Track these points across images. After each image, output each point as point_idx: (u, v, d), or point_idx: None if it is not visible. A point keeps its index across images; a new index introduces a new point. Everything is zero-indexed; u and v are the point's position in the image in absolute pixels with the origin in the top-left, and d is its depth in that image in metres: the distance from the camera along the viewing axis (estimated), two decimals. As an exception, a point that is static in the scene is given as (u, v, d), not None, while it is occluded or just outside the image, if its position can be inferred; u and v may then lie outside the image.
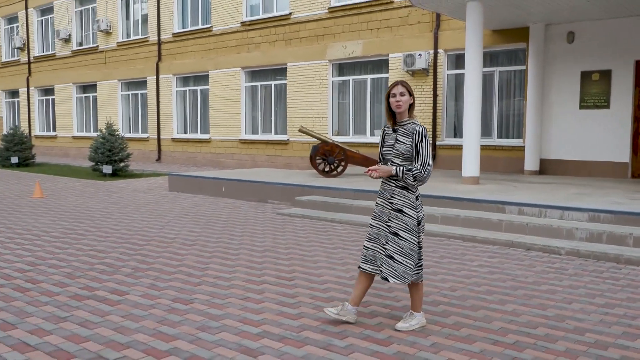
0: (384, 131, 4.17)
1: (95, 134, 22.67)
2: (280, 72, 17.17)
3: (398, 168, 3.94)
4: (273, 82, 17.40)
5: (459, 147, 13.19)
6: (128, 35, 21.87)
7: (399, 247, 3.99)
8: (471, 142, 10.15)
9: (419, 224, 4.03)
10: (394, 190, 4.02)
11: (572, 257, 6.34)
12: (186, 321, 4.18)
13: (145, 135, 21.35)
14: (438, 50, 13.78)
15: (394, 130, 4.05)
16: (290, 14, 16.51)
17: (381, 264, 4.04)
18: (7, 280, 5.25)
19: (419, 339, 3.87)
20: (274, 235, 7.59)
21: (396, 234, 4.00)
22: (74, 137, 24.40)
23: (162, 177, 15.46)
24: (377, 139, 15.04)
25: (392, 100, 3.98)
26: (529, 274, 5.65)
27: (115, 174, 15.92)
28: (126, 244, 6.94)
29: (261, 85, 17.76)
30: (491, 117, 13.34)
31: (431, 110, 13.97)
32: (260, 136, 17.76)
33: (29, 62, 26.23)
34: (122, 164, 16.21)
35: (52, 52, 25.08)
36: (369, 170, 4.01)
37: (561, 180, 10.98)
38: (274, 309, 4.46)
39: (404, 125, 4.02)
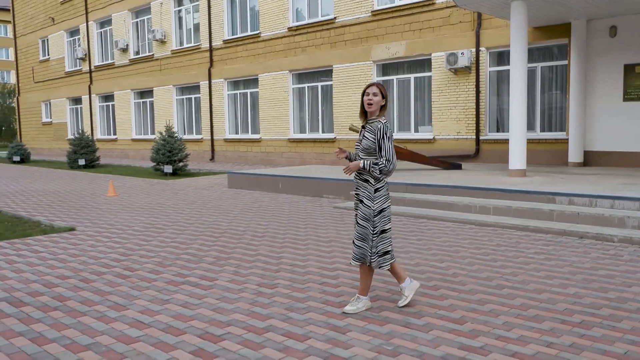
0: (360, 130, 4.31)
1: (152, 137, 23.47)
2: (326, 73, 17.41)
3: (365, 162, 4.09)
4: (319, 84, 17.65)
5: (501, 141, 13.25)
6: (181, 44, 22.46)
7: (358, 233, 4.21)
8: (517, 136, 10.18)
9: (378, 213, 4.16)
10: (358, 183, 4.23)
11: (626, 245, 6.38)
12: (275, 303, 4.46)
13: (199, 137, 21.93)
14: (480, 48, 13.78)
15: (363, 127, 4.23)
16: (335, 18, 16.72)
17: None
18: (107, 268, 5.65)
19: (491, 319, 4.05)
20: (335, 227, 7.84)
21: (357, 222, 4.24)
22: (133, 140, 25.22)
23: (220, 175, 15.92)
24: (421, 135, 15.15)
25: (365, 98, 4.13)
26: (585, 260, 5.74)
27: (175, 173, 16.47)
28: (202, 236, 7.30)
29: (308, 86, 18.04)
30: (533, 112, 13.27)
31: (474, 106, 13.98)
32: (308, 135, 18.04)
33: (90, 71, 27.20)
34: (180, 164, 16.75)
35: (111, 61, 25.95)
36: (345, 169, 4.18)
37: (607, 171, 10.89)
38: (351, 292, 4.70)
39: (371, 123, 4.18)
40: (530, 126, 13.11)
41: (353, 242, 4.23)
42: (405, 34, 15.20)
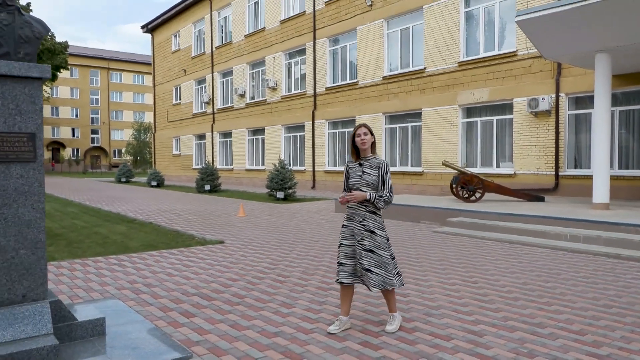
0: (347, 166, 4.19)
1: (262, 168, 24.60)
2: (415, 115, 17.65)
3: (371, 193, 3.99)
4: (409, 124, 17.90)
5: (580, 177, 12.86)
6: (289, 90, 23.56)
7: (375, 261, 4.01)
8: (601, 172, 9.90)
9: (388, 240, 4.10)
10: (365, 215, 4.05)
11: None
12: (413, 309, 4.71)
13: (302, 168, 22.72)
14: (560, 94, 13.52)
15: (360, 164, 4.11)
16: (424, 68, 17.00)
17: (361, 276, 4.07)
18: (264, 274, 6.15)
19: (609, 332, 4.08)
20: (441, 248, 7.98)
21: (371, 251, 4.02)
22: (246, 170, 26.51)
23: (324, 201, 16.43)
24: (502, 170, 14.93)
25: (357, 139, 4.06)
26: (683, 286, 5.55)
27: (286, 199, 17.16)
28: (329, 252, 7.69)
29: (399, 127, 18.34)
30: (612, 151, 12.77)
31: (553, 145, 13.66)
32: (398, 168, 18.25)
33: (213, 113, 29.04)
34: (290, 191, 17.45)
35: (231, 104, 27.60)
36: (345, 197, 4.03)
37: (688, 207, 10.28)
38: (475, 304, 4.87)
39: (368, 159, 4.08)
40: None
41: (370, 270, 3.99)
42: (489, 81, 15.20)
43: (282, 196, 17.02)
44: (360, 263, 4.03)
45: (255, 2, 25.56)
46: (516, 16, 10.15)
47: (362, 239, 4.04)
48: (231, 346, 3.78)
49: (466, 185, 11.81)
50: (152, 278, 5.95)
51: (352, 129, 19.95)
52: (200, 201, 17.22)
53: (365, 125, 4.09)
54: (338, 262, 4.17)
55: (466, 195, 11.89)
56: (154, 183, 26.87)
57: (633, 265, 6.70)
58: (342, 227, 4.19)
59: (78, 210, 13.87)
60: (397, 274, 4.12)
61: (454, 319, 4.40)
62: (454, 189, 12.09)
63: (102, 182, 33.52)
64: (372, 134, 4.08)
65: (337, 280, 4.14)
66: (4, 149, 3.43)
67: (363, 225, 4.05)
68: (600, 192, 9.88)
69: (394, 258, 4.12)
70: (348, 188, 4.14)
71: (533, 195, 12.07)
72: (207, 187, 21.70)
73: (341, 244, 4.17)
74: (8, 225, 3.49)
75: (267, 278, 5.95)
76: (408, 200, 12.77)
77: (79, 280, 5.83)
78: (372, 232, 4.04)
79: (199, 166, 29.88)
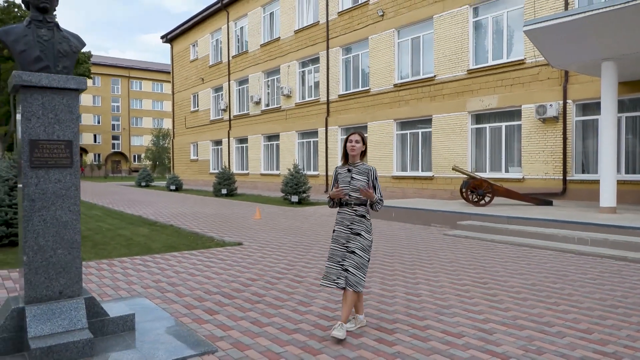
0: (336, 171, 4.18)
1: (277, 172, 24.78)
2: (425, 122, 17.69)
3: (375, 195, 4.02)
4: (420, 130, 17.94)
5: (587, 182, 12.79)
6: (303, 97, 23.73)
7: (355, 262, 3.99)
8: (608, 177, 9.87)
9: (371, 244, 4.10)
10: (354, 218, 4.05)
11: None
12: (425, 308, 4.79)
13: (315, 173, 22.85)
14: (567, 100, 13.49)
15: (348, 170, 4.10)
16: (434, 76, 17.05)
17: (337, 278, 4.00)
18: (282, 275, 6.27)
19: (615, 331, 4.12)
20: (452, 251, 8.03)
21: (353, 252, 4.01)
22: (261, 174, 26.70)
23: (337, 205, 16.50)
24: (511, 175, 14.90)
25: (348, 144, 4.07)
26: (689, 288, 5.55)
27: (300, 202, 17.29)
28: (343, 253, 7.77)
29: (410, 132, 18.38)
30: (618, 156, 12.70)
31: (561, 151, 13.61)
32: (409, 173, 18.29)
33: (230, 120, 29.32)
34: (304, 195, 17.59)
35: (247, 111, 27.84)
36: (364, 190, 3.93)
37: (695, 211, 10.20)
38: (485, 304, 4.93)
39: (357, 166, 4.09)
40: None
41: (348, 271, 3.99)
42: (497, 88, 15.20)
43: (297, 200, 17.15)
44: (341, 264, 4.03)
45: (270, 13, 25.84)
46: (524, 26, 10.18)
47: (347, 241, 4.06)
48: (253, 341, 3.90)
49: (476, 189, 11.83)
50: (176, 278, 6.09)
51: (364, 135, 20.04)
52: (218, 204, 17.41)
53: (359, 133, 4.13)
54: (326, 265, 4.18)
55: (476, 199, 11.91)
56: (172, 187, 27.18)
57: (639, 267, 6.70)
58: (333, 232, 4.20)
59: (102, 213, 14.12)
60: (365, 278, 4.10)
61: (465, 318, 4.47)
62: (464, 193, 12.12)
63: (123, 186, 33.96)
64: (364, 142, 4.11)
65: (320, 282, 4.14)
66: (44, 155, 3.60)
67: (351, 229, 4.07)
68: (608, 196, 9.85)
69: (368, 260, 4.12)
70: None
71: (541, 199, 12.05)
72: (224, 191, 21.93)
73: (330, 247, 4.22)
74: (47, 227, 3.65)
75: (284, 278, 6.06)
76: (419, 204, 12.82)
77: (106, 279, 5.99)
78: (359, 234, 4.06)
79: (216, 171, 30.20)
